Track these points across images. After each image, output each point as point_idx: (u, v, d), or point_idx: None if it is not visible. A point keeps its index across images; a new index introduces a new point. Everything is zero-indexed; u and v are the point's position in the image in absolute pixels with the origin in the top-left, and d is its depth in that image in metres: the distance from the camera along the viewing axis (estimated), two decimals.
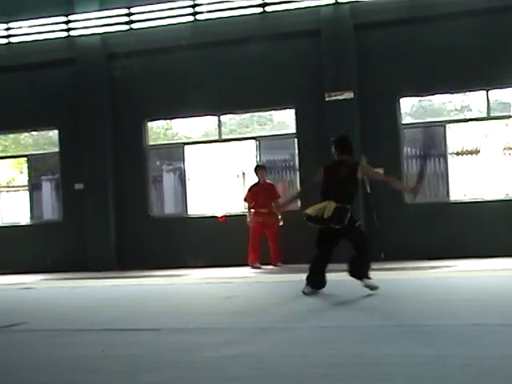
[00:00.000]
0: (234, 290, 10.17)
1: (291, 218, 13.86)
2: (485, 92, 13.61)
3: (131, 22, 15.26)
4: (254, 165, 14.61)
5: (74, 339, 6.76)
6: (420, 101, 14.49)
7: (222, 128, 15.24)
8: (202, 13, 14.85)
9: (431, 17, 13.69)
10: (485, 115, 13.79)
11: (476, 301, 7.82)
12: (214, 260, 14.27)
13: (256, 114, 15.34)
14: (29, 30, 15.76)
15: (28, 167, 16.66)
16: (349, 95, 13.96)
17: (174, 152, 15.73)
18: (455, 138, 14.15)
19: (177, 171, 15.73)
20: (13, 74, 16.10)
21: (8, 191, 17.74)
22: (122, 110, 15.54)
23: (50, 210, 16.49)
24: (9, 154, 17.26)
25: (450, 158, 13.96)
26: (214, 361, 5.31)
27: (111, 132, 15.62)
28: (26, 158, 16.79)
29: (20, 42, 15.88)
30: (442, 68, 13.68)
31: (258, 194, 14.05)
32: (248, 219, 14.09)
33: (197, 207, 15.38)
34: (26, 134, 17.31)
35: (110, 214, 15.48)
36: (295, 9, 14.27)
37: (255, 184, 14.26)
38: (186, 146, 15.51)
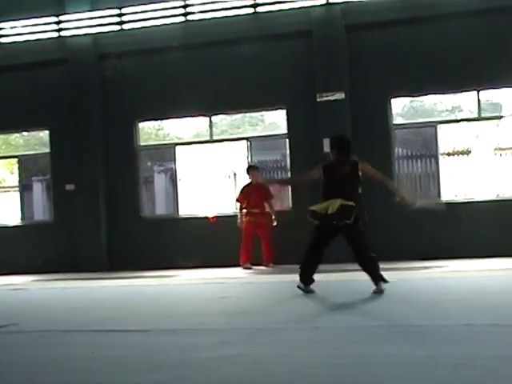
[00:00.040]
0: (226, 291, 10.14)
1: (283, 218, 13.89)
2: (476, 92, 13.64)
3: (123, 22, 15.24)
4: (246, 165, 14.61)
5: (63, 340, 6.73)
6: (411, 101, 14.52)
7: (214, 128, 15.22)
8: (193, 13, 14.84)
9: (422, 18, 13.72)
10: (476, 116, 13.83)
11: (467, 301, 7.83)
12: (205, 261, 14.26)
13: (247, 114, 15.35)
14: (20, 30, 15.71)
15: (19, 168, 16.62)
16: (340, 96, 13.97)
17: (166, 152, 15.72)
18: (446, 138, 14.18)
19: (168, 172, 15.72)
20: (4, 75, 16.05)
21: None
22: (114, 111, 15.51)
23: (41, 211, 16.45)
24: None
25: (441, 158, 13.99)
26: (206, 361, 5.28)
27: (102, 132, 15.58)
28: (16, 159, 16.74)
29: (11, 43, 15.83)
30: (434, 69, 13.71)
31: (250, 195, 14.04)
32: (239, 221, 14.07)
33: (188, 208, 15.36)
34: (17, 135, 17.27)
35: (100, 215, 15.45)
36: (287, 9, 14.28)
37: (247, 184, 14.25)
38: (178, 147, 15.49)
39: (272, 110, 15.03)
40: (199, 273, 13.24)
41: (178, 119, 15.64)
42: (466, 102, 14.11)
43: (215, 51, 14.82)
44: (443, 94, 14.06)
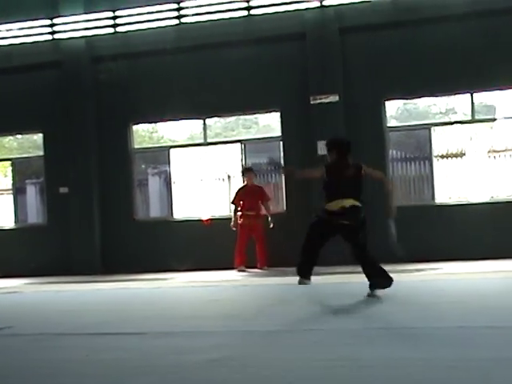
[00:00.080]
0: (221, 294, 10.14)
1: (277, 220, 13.90)
2: (469, 95, 13.67)
3: (117, 25, 15.24)
4: (241, 168, 14.62)
5: (57, 343, 6.72)
6: (405, 104, 14.54)
7: (208, 131, 15.22)
8: (187, 16, 14.84)
9: (415, 20, 13.74)
10: (469, 118, 13.85)
11: (461, 303, 7.83)
12: (199, 263, 14.25)
13: (241, 117, 15.35)
14: (14, 32, 15.69)
15: (12, 171, 16.59)
16: (334, 98, 13.98)
17: (160, 155, 15.71)
18: (440, 140, 14.20)
19: (162, 175, 15.70)
20: None
21: None
22: (108, 113, 15.50)
23: (35, 214, 16.41)
24: None
25: (435, 160, 14.01)
26: (201, 364, 5.28)
27: (96, 135, 15.56)
28: (10, 162, 16.71)
29: (5, 45, 15.80)
30: (427, 71, 13.73)
31: (244, 197, 14.04)
32: (232, 223, 14.06)
33: (182, 211, 15.35)
34: (11, 138, 17.24)
35: (94, 218, 15.42)
36: (280, 12, 14.28)
37: (242, 187, 14.26)
38: (172, 150, 15.48)
39: (266, 112, 15.03)
40: (194, 275, 13.23)
41: (172, 122, 15.62)
42: (459, 104, 14.14)
43: (209, 54, 14.82)
44: (437, 96, 14.08)
